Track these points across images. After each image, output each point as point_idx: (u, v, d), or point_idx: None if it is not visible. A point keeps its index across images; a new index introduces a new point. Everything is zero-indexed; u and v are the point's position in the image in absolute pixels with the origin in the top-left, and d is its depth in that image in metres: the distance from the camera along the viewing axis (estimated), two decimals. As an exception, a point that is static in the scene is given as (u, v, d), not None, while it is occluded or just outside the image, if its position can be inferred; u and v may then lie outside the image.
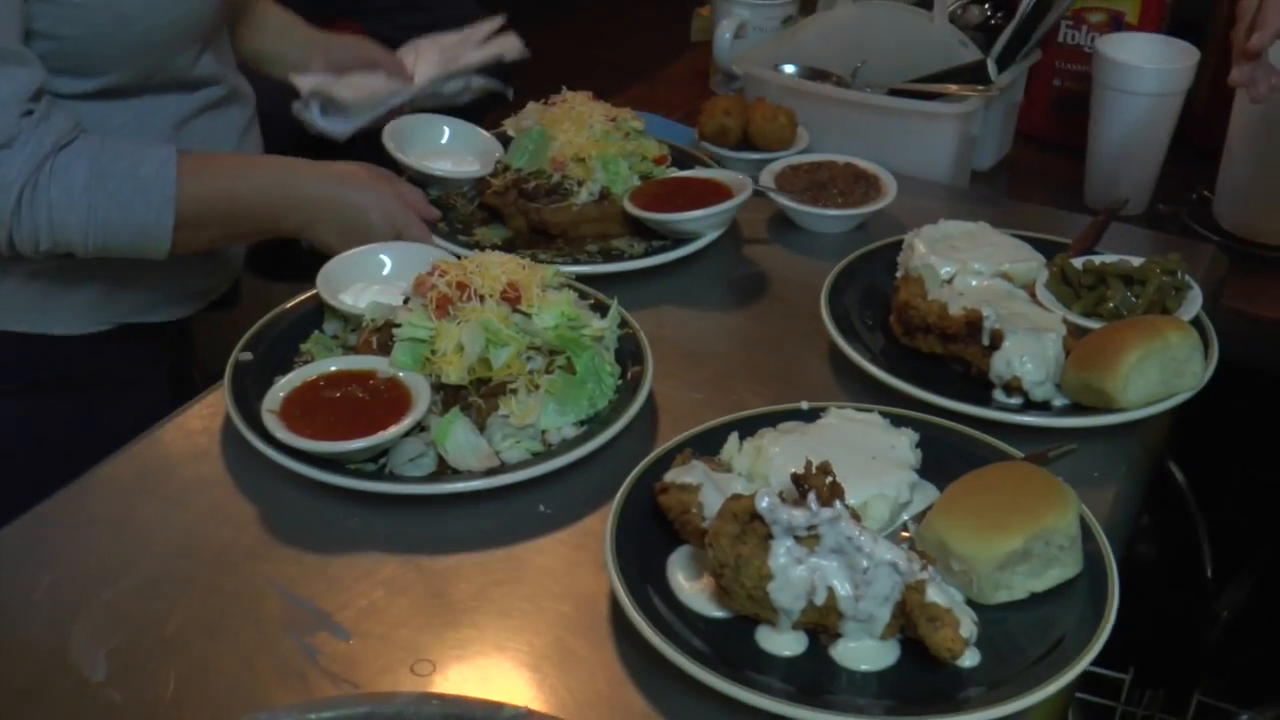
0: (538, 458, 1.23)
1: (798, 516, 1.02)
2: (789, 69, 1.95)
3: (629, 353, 1.37)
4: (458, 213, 1.67)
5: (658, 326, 1.49)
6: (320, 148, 3.23)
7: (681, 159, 1.77)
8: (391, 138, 1.70)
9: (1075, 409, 1.33)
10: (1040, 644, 1.05)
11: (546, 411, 1.24)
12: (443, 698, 0.83)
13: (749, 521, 1.04)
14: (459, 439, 1.21)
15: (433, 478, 1.21)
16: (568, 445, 1.24)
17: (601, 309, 1.38)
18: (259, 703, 1.00)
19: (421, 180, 1.68)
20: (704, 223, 1.59)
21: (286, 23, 1.85)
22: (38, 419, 1.55)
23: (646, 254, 1.58)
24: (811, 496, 1.03)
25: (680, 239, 1.60)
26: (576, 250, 1.60)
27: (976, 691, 1.02)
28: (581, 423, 1.27)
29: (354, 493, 1.20)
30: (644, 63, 2.68)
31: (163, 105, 1.53)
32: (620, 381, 1.32)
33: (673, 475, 1.16)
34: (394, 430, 1.18)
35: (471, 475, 1.20)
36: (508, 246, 1.58)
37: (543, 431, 1.25)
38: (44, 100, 1.35)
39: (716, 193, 1.62)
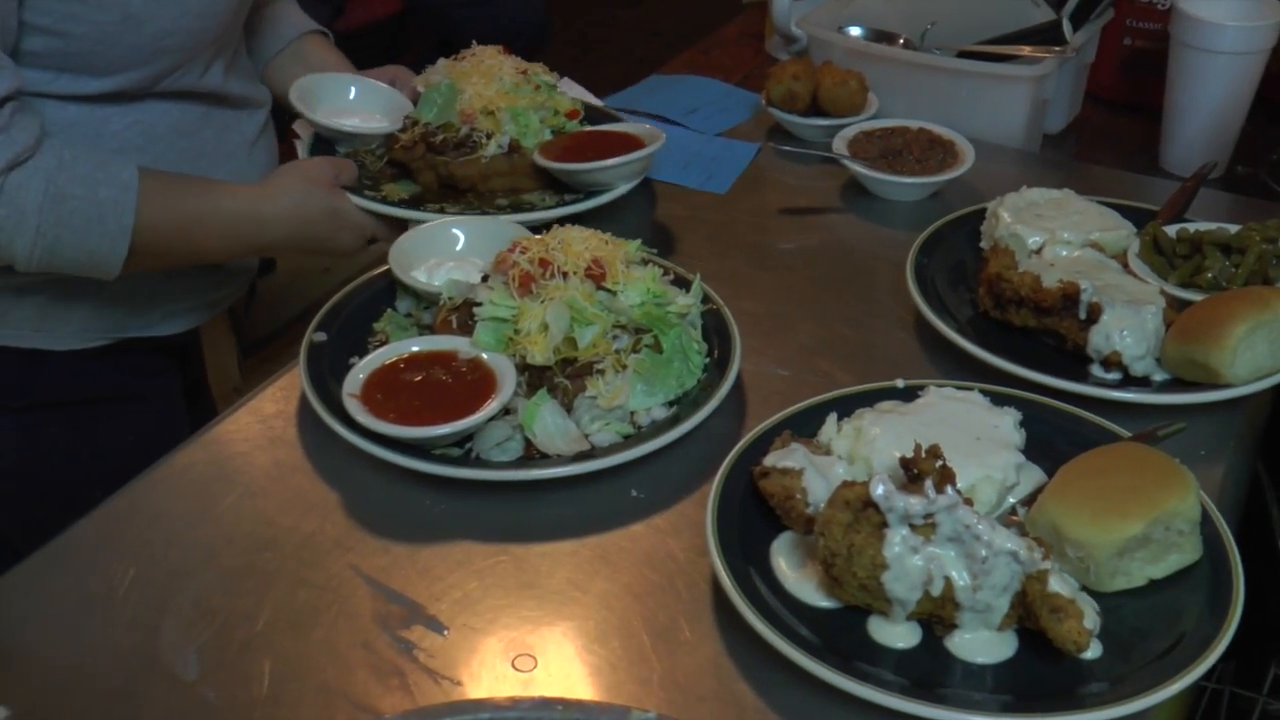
0: (629, 440, 1.19)
1: (914, 504, 0.98)
2: (855, 31, 1.89)
3: (713, 329, 1.32)
4: (367, 170, 1.62)
5: (736, 299, 1.44)
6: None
7: (596, 116, 1.72)
8: (299, 97, 1.64)
9: (1177, 384, 1.28)
10: (1163, 635, 1.01)
11: (635, 392, 1.20)
12: (565, 703, 0.79)
13: (862, 509, 1.00)
14: (547, 422, 1.17)
15: (521, 463, 1.17)
16: (659, 428, 1.20)
17: (684, 284, 1.33)
18: (357, 701, 0.97)
19: (330, 137, 1.64)
20: (613, 173, 1.54)
21: (327, 64, 1.73)
22: (45, 436, 1.49)
23: (558, 207, 1.53)
24: (928, 483, 0.99)
25: (592, 191, 1.55)
26: (486, 204, 1.55)
27: (1099, 687, 0.98)
28: (670, 403, 1.23)
29: (438, 478, 1.16)
30: (688, 27, 2.62)
31: (167, 113, 1.45)
32: (707, 360, 1.28)
33: (773, 459, 1.11)
34: (481, 414, 1.15)
35: (561, 460, 1.16)
36: (416, 201, 1.55)
37: (631, 413, 1.21)
38: (7, 109, 1.25)
39: (628, 145, 1.57)
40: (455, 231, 1.44)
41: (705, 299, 1.34)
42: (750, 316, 1.40)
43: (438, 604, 1.06)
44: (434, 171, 1.57)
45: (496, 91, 1.60)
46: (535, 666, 1.00)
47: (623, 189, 1.56)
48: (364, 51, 4.43)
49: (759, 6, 2.28)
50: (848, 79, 1.75)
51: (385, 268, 1.40)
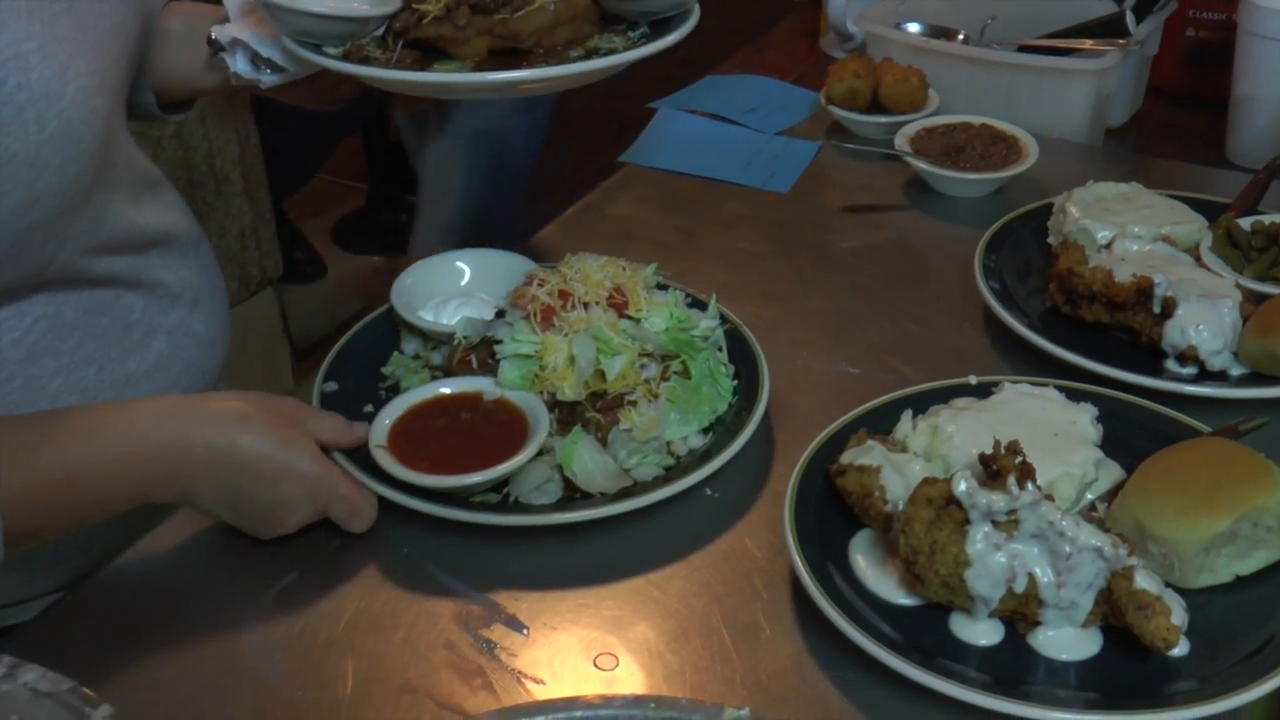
0: (670, 473, 1.15)
1: (997, 501, 0.97)
2: (913, 27, 1.88)
3: (737, 351, 1.27)
4: (378, 62, 1.25)
5: (803, 297, 1.44)
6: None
7: None
8: None
9: (1255, 379, 1.27)
10: (1251, 634, 1.00)
11: (670, 421, 1.17)
12: (659, 700, 0.79)
13: (944, 506, 0.99)
14: (586, 460, 1.12)
15: (562, 505, 1.12)
16: (698, 459, 1.16)
17: (702, 306, 1.29)
18: (442, 700, 0.98)
19: (321, 31, 1.23)
20: None
21: (192, 13, 1.34)
22: None
23: (630, 48, 1.27)
24: (1011, 480, 0.98)
25: (654, 19, 1.31)
26: (558, 59, 1.26)
27: (1187, 685, 0.96)
28: (704, 430, 1.20)
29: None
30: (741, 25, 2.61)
31: (74, 289, 1.15)
32: (736, 383, 1.24)
33: (850, 456, 1.11)
34: (520, 457, 1.10)
35: (604, 499, 1.11)
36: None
37: (668, 443, 1.17)
38: None
39: None
40: (460, 265, 1.37)
41: (723, 319, 1.29)
42: (818, 315, 1.40)
43: (517, 604, 1.06)
44: (487, 36, 1.25)
45: None
46: (617, 665, 1.00)
47: (688, 27, 1.28)
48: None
49: (812, 4, 2.28)
50: (908, 75, 1.74)
51: (387, 306, 1.33)
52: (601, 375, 1.17)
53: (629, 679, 0.99)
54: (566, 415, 1.17)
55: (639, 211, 1.66)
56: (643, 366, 1.19)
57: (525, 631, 1.04)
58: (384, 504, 1.15)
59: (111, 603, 1.08)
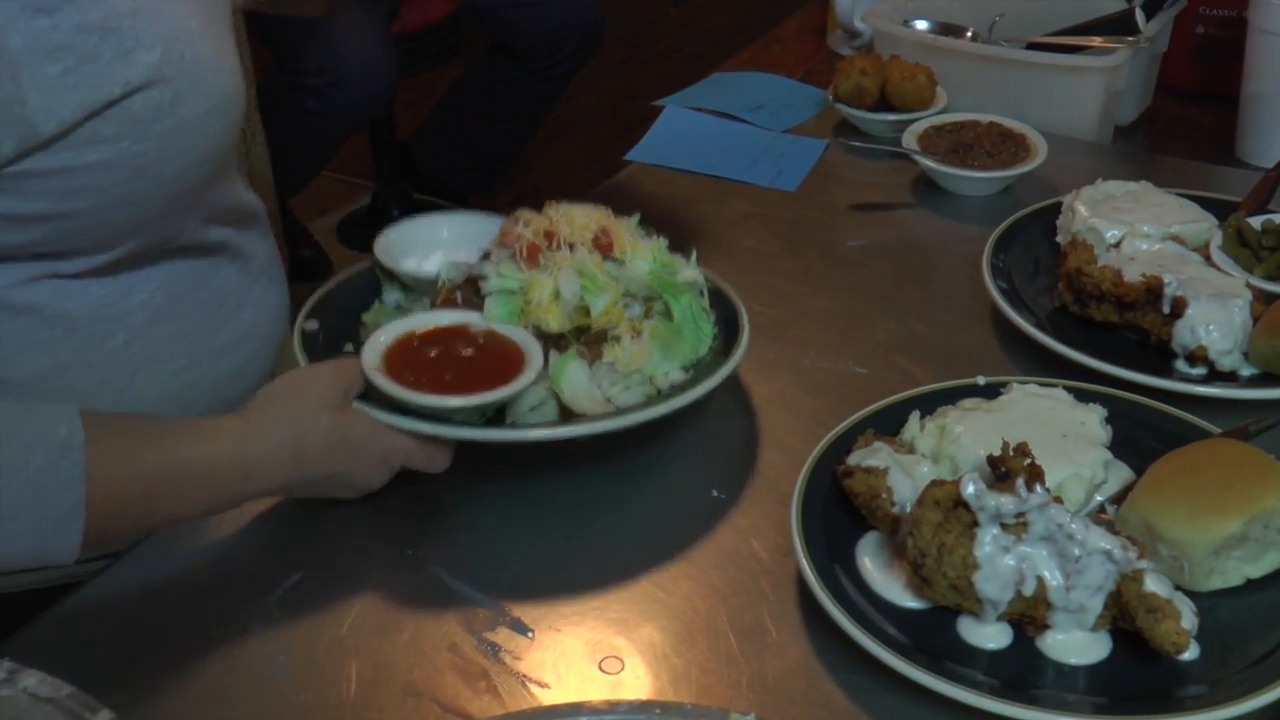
0: (650, 401, 1.16)
1: (1006, 503, 0.97)
2: (921, 24, 1.87)
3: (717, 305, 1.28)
4: None
5: (810, 296, 1.44)
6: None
7: None
8: None
9: (1265, 379, 1.26)
10: (1262, 638, 0.99)
11: (652, 357, 1.18)
12: (664, 705, 0.79)
13: (952, 508, 0.99)
14: (574, 379, 1.14)
15: (558, 424, 1.14)
16: (683, 387, 1.17)
17: None
18: (446, 703, 0.97)
19: None
20: None
21: None
22: None
23: None
24: (1020, 482, 0.97)
25: None
26: None
27: (1197, 689, 0.96)
28: (686, 368, 1.21)
29: (499, 465, 1.15)
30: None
31: (188, 258, 1.22)
32: (716, 329, 1.25)
33: (857, 458, 1.10)
34: (521, 381, 1.11)
35: (594, 417, 1.13)
36: None
37: (650, 378, 1.18)
38: None
39: None
40: (441, 228, 1.37)
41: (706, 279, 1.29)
42: (825, 314, 1.39)
43: (521, 606, 1.05)
44: None
45: None
46: (623, 669, 1.00)
47: None
48: (423, 52, 4.41)
49: (819, 1, 2.27)
50: (916, 73, 1.73)
51: (371, 261, 1.33)
52: (586, 311, 1.18)
53: (634, 682, 0.99)
54: (552, 348, 1.18)
55: (645, 209, 1.65)
56: (626, 305, 1.20)
57: (530, 634, 1.03)
58: (385, 502, 1.15)
59: (113, 604, 1.08)
